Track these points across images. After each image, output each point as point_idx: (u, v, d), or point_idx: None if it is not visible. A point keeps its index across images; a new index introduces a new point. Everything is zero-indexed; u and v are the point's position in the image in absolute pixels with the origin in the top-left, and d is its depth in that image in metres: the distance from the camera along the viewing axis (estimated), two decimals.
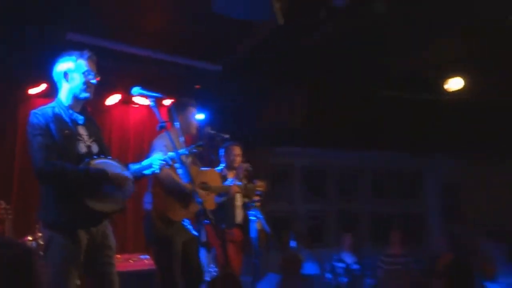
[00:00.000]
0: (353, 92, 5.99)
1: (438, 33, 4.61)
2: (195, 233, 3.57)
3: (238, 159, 4.91)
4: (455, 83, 5.56)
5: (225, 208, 4.64)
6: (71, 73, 2.76)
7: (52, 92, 3.00)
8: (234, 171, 4.87)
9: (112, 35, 4.71)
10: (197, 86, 5.48)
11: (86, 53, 2.79)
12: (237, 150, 4.92)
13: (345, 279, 6.27)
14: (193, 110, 3.89)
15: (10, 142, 4.94)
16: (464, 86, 5.57)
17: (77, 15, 4.29)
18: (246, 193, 4.69)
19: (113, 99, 5.34)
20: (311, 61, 5.31)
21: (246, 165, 4.84)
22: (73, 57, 2.77)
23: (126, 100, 5.43)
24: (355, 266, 6.42)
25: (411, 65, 5.39)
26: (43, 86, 4.84)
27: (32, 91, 4.90)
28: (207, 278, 4.51)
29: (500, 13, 4.08)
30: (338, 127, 6.49)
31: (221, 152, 4.94)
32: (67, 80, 2.77)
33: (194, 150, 3.39)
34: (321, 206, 7.76)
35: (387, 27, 4.49)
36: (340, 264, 6.41)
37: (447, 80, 5.58)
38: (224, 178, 4.66)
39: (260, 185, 4.61)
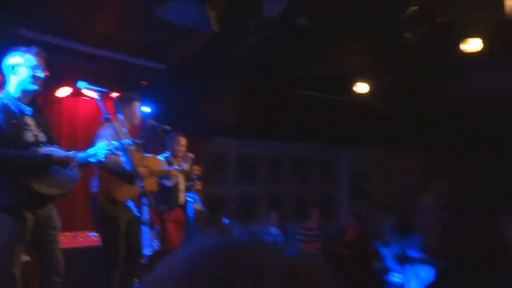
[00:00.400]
0: (279, 91, 6.09)
1: (349, 46, 4.80)
2: (137, 213, 3.50)
3: (183, 149, 4.82)
4: (361, 87, 5.80)
5: (169, 191, 4.58)
6: (18, 67, 2.61)
7: (4, 83, 2.81)
8: (179, 159, 4.79)
9: (64, 33, 4.46)
10: (143, 82, 5.32)
11: (34, 49, 2.64)
12: (182, 141, 4.82)
13: None
14: (137, 103, 3.77)
15: None
16: (369, 91, 5.83)
17: (29, 13, 4.01)
18: (185, 177, 4.65)
19: (63, 92, 5.05)
20: (244, 64, 5.33)
21: (192, 155, 4.79)
22: (21, 53, 2.62)
23: (76, 93, 5.15)
24: (280, 239, 6.58)
25: (329, 70, 5.56)
26: None
27: None
28: (150, 252, 4.44)
29: (397, 30, 4.30)
30: (266, 121, 6.59)
31: (167, 141, 4.84)
32: (15, 74, 2.61)
33: (138, 141, 3.30)
34: (252, 189, 7.87)
35: (307, 37, 4.60)
36: (268, 238, 6.54)
37: (355, 83, 5.81)
38: (169, 164, 4.58)
39: (196, 169, 4.58)
